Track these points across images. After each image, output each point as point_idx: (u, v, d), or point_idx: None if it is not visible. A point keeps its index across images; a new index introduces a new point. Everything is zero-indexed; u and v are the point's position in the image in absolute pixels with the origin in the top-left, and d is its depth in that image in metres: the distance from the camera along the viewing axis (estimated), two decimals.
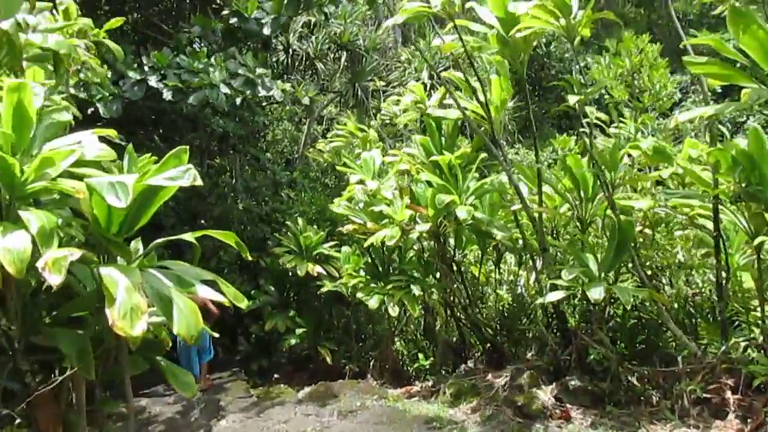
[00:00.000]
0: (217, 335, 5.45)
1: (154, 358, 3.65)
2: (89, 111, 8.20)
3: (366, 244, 6.42)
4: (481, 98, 5.63)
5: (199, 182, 3.35)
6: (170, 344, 3.44)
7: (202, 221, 11.62)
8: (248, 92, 8.76)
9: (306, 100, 9.61)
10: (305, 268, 8.27)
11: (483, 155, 6.16)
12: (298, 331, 8.41)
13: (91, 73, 7.56)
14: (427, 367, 7.33)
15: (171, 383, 3.48)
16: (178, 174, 3.31)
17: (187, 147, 3.52)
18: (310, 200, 10.22)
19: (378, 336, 8.92)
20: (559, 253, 6.24)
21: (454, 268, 6.88)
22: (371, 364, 8.35)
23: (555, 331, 6.27)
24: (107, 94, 7.79)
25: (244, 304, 3.69)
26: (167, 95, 8.17)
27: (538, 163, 5.83)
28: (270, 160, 12.12)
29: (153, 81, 8.16)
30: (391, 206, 6.21)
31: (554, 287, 5.26)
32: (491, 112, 5.68)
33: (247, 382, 8.36)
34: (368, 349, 8.73)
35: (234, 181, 11.61)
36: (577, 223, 5.71)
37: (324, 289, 8.14)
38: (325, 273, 8.41)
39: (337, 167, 7.63)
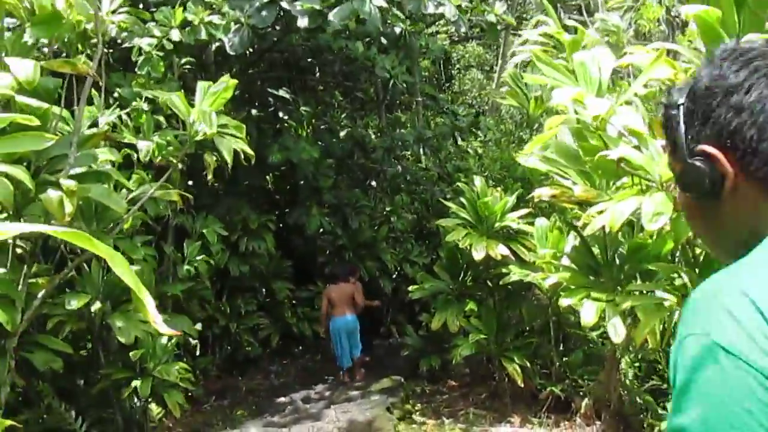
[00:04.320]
0: None
1: None
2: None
3: (587, 232, 3.18)
4: None
5: None
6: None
7: (373, 183, 9.36)
8: (410, 6, 5.89)
9: (491, 18, 6.32)
10: (483, 249, 5.31)
11: None
12: (473, 337, 5.50)
13: None
14: None
15: None
16: None
17: None
18: (497, 154, 7.11)
19: (594, 350, 5.62)
20: None
21: None
22: (582, 394, 5.18)
23: None
24: (225, 22, 5.53)
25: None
26: (302, 22, 5.69)
27: None
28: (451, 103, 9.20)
29: (285, 2, 5.73)
30: (643, 150, 2.84)
31: None
32: None
33: (403, 403, 5.77)
34: (576, 366, 5.50)
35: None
36: None
37: (509, 279, 5.22)
38: (511, 255, 5.38)
39: (525, 77, 4.34)
